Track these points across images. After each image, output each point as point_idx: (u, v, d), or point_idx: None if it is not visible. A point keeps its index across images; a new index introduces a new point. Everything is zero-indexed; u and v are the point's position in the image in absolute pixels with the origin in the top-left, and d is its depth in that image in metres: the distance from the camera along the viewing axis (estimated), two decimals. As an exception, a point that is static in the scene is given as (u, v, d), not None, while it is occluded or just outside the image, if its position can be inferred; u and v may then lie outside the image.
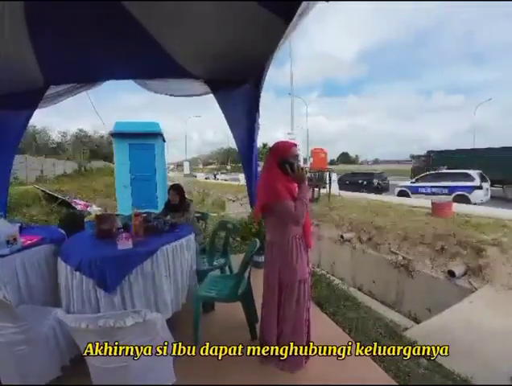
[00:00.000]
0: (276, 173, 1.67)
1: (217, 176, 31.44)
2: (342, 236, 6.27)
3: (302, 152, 12.98)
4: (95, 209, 8.54)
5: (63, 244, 2.32)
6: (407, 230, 4.93)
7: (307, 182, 1.68)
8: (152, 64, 3.32)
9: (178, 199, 3.16)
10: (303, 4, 1.90)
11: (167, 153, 7.95)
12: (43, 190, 7.17)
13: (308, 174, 9.93)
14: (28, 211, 5.63)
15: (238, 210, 11.44)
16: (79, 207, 7.67)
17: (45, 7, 1.86)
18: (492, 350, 2.20)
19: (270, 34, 2.57)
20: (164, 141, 7.71)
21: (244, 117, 3.90)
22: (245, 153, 4.07)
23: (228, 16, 2.38)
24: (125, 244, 2.11)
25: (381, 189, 12.59)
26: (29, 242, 2.24)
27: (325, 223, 7.51)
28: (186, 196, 3.33)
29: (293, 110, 13.42)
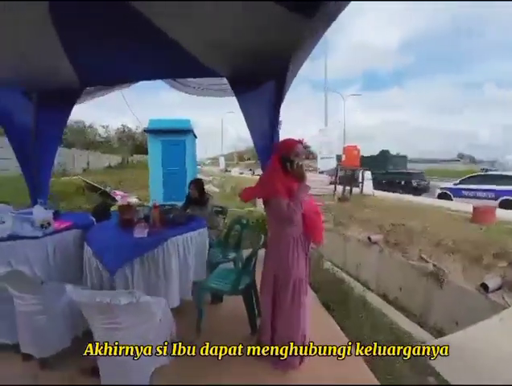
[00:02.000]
0: (277, 170, 1.67)
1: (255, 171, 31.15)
2: (369, 238, 5.98)
3: (337, 149, 12.53)
4: (132, 200, 9.21)
5: (89, 230, 2.56)
6: (442, 236, 4.52)
7: (306, 181, 1.64)
8: (177, 64, 3.43)
9: (197, 193, 3.28)
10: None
11: (204, 148, 8.23)
12: (86, 181, 7.95)
13: (341, 172, 9.58)
14: (72, 200, 6.27)
15: None
16: (118, 198, 8.30)
17: (71, 17, 2.04)
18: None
19: (290, 31, 2.51)
20: (195, 137, 8.00)
21: (264, 117, 3.82)
22: (263, 154, 3.95)
23: (247, 14, 2.35)
24: (140, 233, 2.26)
25: (420, 190, 11.69)
26: (61, 226, 2.52)
27: (354, 223, 7.22)
28: (206, 190, 3.45)
29: (327, 105, 13.00)
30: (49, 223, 2.36)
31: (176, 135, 6.63)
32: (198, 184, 3.29)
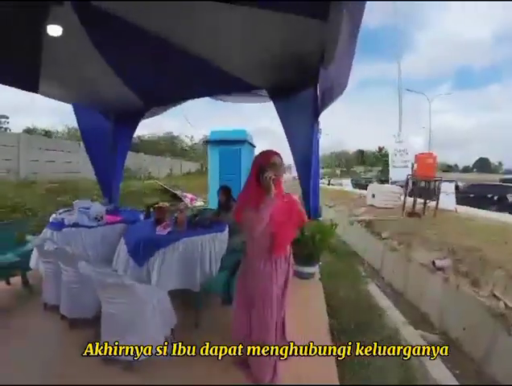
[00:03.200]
0: (250, 182, 1.68)
1: (331, 181, 28.81)
2: (434, 263, 5.11)
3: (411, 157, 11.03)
4: (199, 203, 10.29)
5: (131, 225, 3.13)
6: (526, 269, 3.54)
7: (272, 194, 1.55)
8: (222, 84, 3.80)
9: (224, 198, 3.55)
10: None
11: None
12: (161, 185, 9.37)
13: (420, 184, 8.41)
14: (147, 200, 7.51)
15: (332, 216, 11.04)
16: (186, 200, 9.42)
17: (118, 55, 2.63)
18: None
19: (313, 38, 2.55)
20: (253, 146, 8.44)
21: (304, 126, 3.79)
22: (302, 165, 3.80)
23: (274, 30, 2.49)
24: (161, 231, 2.67)
25: (518, 207, 9.05)
26: (111, 220, 3.17)
27: (420, 244, 6.28)
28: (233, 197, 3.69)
29: (401, 109, 11.64)
30: (102, 217, 3.01)
31: (233, 145, 7.18)
32: (225, 191, 3.56)
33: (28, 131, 15.85)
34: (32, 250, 2.70)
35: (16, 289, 2.84)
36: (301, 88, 3.72)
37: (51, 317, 2.31)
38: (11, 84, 2.79)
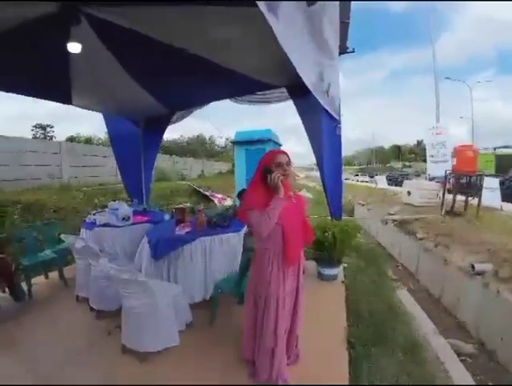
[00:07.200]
0: (256, 181, 1.65)
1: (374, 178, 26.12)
2: (473, 266, 4.68)
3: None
4: (228, 203, 10.50)
5: (154, 225, 3.33)
6: None
7: (281, 194, 1.54)
8: (237, 85, 3.87)
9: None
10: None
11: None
12: (191, 185, 9.75)
13: (451, 179, 7.74)
14: (179, 200, 7.90)
15: (364, 215, 10.61)
16: (216, 200, 9.67)
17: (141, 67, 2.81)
18: None
19: None
20: (279, 145, 8.42)
21: (324, 123, 3.67)
22: (324, 163, 3.63)
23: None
24: (180, 230, 2.82)
25: None
26: (137, 220, 3.40)
27: (459, 245, 5.79)
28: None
29: (438, 98, 10.69)
30: (128, 217, 3.25)
31: (258, 144, 7.25)
32: (243, 194, 3.61)
33: (71, 139, 17.28)
34: (67, 248, 3.02)
35: (53, 283, 3.22)
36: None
37: (82, 308, 2.59)
38: (47, 98, 3.13)
